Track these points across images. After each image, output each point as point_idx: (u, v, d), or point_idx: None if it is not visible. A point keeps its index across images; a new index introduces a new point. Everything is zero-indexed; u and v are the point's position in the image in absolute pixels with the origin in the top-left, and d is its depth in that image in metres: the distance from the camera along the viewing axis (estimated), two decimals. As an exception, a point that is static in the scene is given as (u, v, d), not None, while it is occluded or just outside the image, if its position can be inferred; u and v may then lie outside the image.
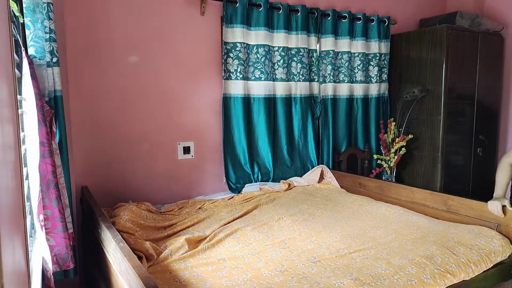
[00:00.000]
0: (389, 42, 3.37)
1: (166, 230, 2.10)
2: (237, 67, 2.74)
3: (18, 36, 1.55)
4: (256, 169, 2.89)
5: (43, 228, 1.42)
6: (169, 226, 2.17)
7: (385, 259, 1.73)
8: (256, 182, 2.90)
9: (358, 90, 3.27)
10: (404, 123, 3.29)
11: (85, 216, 2.23)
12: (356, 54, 3.23)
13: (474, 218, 2.21)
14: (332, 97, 3.15)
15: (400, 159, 3.23)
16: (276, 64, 2.90)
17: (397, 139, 3.19)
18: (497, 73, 3.48)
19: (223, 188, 2.85)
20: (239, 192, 2.79)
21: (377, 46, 3.28)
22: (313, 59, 3.07)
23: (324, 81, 3.13)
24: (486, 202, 2.20)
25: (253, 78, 2.83)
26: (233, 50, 2.72)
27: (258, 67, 2.82)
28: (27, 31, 1.79)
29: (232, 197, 2.66)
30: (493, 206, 2.04)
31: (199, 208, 2.46)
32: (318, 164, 3.12)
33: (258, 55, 2.81)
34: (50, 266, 1.46)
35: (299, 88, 3.00)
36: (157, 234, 2.04)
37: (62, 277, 1.88)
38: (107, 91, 2.43)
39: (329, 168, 3.08)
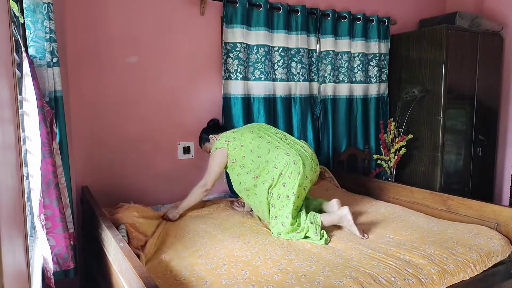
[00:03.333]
0: (389, 42, 3.37)
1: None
2: (237, 67, 2.74)
3: (18, 36, 1.55)
4: (256, 169, 2.89)
5: (44, 227, 1.42)
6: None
7: (383, 259, 1.73)
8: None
9: (358, 90, 3.27)
10: (404, 123, 3.29)
11: (85, 216, 2.23)
12: (356, 54, 3.23)
13: (473, 217, 2.22)
14: (332, 97, 3.15)
15: (399, 159, 3.23)
16: (276, 64, 2.91)
17: (396, 139, 3.19)
18: (496, 73, 3.48)
19: (223, 189, 2.86)
20: None
21: (376, 46, 3.28)
22: (313, 59, 3.07)
23: (324, 81, 3.13)
24: (486, 202, 2.21)
25: (253, 78, 2.83)
26: (233, 50, 2.73)
27: (258, 67, 2.82)
28: (27, 31, 1.79)
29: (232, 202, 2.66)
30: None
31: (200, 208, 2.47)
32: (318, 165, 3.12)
33: (258, 55, 2.81)
34: (50, 266, 1.46)
35: (299, 88, 3.00)
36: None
37: (63, 277, 1.89)
38: (107, 91, 2.43)
39: (328, 168, 3.08)
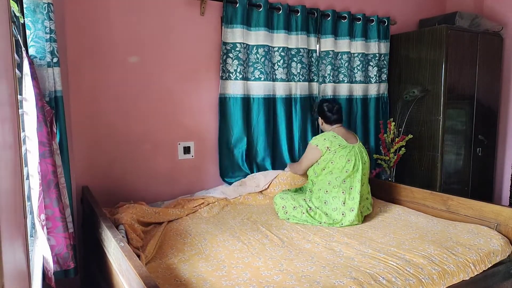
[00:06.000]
0: (389, 43, 3.37)
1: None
2: (237, 67, 2.74)
3: (18, 36, 1.55)
4: (255, 170, 2.89)
5: (44, 228, 1.42)
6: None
7: (383, 259, 1.73)
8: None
9: (358, 90, 3.27)
10: (404, 123, 3.29)
11: (85, 215, 2.23)
12: (356, 55, 3.23)
13: (473, 217, 2.22)
14: (331, 97, 3.15)
15: (399, 159, 3.23)
16: (276, 65, 2.91)
17: (396, 139, 3.19)
18: (496, 73, 3.48)
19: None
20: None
21: (376, 47, 3.28)
22: (312, 59, 3.07)
23: (324, 81, 3.13)
24: (486, 202, 2.21)
25: (253, 78, 2.83)
26: (232, 50, 2.72)
27: (258, 67, 2.82)
28: (27, 32, 1.79)
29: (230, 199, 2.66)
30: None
31: (198, 205, 2.48)
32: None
33: (258, 55, 2.81)
34: (51, 266, 1.46)
35: (299, 88, 3.00)
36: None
37: (63, 277, 1.89)
38: (107, 91, 2.43)
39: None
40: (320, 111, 2.57)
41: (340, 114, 2.56)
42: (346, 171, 2.29)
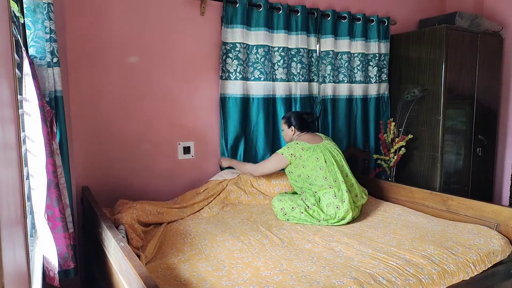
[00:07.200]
0: (389, 43, 3.37)
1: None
2: (237, 67, 2.74)
3: (18, 36, 1.55)
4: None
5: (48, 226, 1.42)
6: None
7: (383, 259, 1.73)
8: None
9: (358, 90, 3.27)
10: (404, 123, 3.29)
11: (85, 215, 2.23)
12: (356, 55, 3.23)
13: (473, 217, 2.22)
14: (331, 97, 3.15)
15: (399, 159, 3.23)
16: (276, 65, 2.90)
17: (396, 139, 3.19)
18: (496, 73, 3.48)
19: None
20: None
21: (376, 47, 3.28)
22: (312, 59, 3.07)
23: (324, 81, 3.13)
24: (486, 202, 2.21)
25: (253, 78, 2.83)
26: (232, 50, 2.72)
27: (258, 67, 2.82)
28: (27, 32, 1.79)
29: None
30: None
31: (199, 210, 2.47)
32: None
33: (257, 55, 2.81)
34: (54, 264, 1.46)
35: (299, 89, 3.00)
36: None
37: (63, 277, 1.89)
38: (107, 91, 2.43)
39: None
40: (292, 122, 2.59)
41: (313, 123, 2.73)
42: (321, 168, 2.34)
